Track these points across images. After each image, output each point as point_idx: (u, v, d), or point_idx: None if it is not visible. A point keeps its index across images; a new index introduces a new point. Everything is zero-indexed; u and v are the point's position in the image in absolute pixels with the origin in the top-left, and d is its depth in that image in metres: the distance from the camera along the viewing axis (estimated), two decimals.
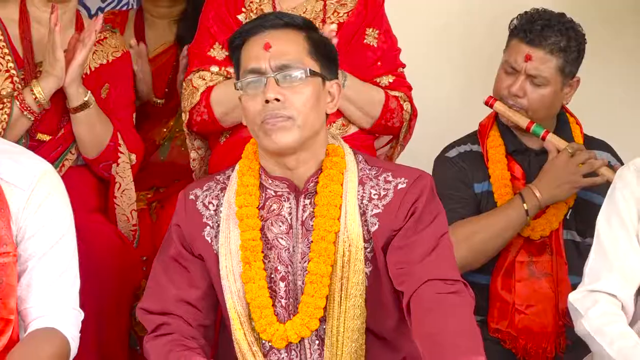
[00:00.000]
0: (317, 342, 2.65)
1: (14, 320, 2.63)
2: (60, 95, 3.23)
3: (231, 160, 3.11)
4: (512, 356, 3.33)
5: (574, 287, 3.07)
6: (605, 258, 2.88)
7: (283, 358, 2.66)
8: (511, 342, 3.34)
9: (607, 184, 3.10)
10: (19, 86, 3.25)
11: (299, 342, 2.63)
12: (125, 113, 3.42)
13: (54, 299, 2.68)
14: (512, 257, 3.36)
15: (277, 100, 2.57)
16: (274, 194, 2.68)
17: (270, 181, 2.68)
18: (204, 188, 2.74)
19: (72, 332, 2.68)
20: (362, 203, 2.66)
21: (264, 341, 2.64)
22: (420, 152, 3.48)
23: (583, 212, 3.40)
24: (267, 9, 3.33)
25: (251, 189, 2.67)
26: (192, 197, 2.73)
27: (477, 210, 3.38)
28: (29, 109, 3.20)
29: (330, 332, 2.63)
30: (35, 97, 3.19)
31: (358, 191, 2.66)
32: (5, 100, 3.21)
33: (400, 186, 2.65)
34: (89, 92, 3.26)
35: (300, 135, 2.60)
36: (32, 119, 3.22)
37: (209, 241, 2.69)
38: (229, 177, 2.74)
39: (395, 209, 2.63)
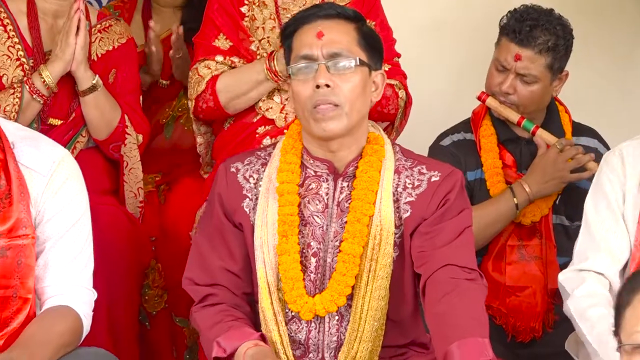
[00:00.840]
0: (337, 317, 2.69)
1: (32, 299, 2.67)
2: (70, 81, 3.30)
3: (234, 145, 3.27)
4: (503, 332, 3.36)
5: (562, 267, 3.08)
6: (593, 239, 2.92)
7: (302, 328, 2.70)
8: (501, 319, 3.37)
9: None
10: (29, 73, 3.30)
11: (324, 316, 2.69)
12: (132, 96, 3.47)
13: (68, 278, 2.72)
14: (504, 241, 3.40)
15: (327, 86, 2.63)
16: (313, 173, 2.74)
17: (312, 161, 2.74)
18: (245, 162, 2.79)
19: (85, 310, 2.73)
20: (396, 191, 2.72)
21: (287, 311, 2.69)
22: (416, 140, 3.45)
23: (571, 197, 3.43)
24: (269, 1, 3.38)
25: (293, 167, 2.72)
26: (233, 169, 2.77)
27: (470, 197, 3.29)
28: (38, 92, 3.26)
29: (355, 310, 2.67)
30: (44, 81, 3.25)
31: (394, 179, 2.72)
32: (15, 85, 3.27)
33: (433, 179, 2.72)
34: (97, 75, 3.32)
35: (347, 123, 2.66)
36: (42, 102, 3.27)
37: (247, 212, 2.73)
38: (270, 153, 2.80)
39: (428, 199, 2.69)
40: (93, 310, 2.78)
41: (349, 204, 2.70)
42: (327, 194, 2.73)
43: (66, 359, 2.64)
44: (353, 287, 2.67)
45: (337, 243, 2.69)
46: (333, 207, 2.72)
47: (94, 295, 2.78)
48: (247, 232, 2.73)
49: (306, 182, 2.73)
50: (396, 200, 2.71)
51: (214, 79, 3.34)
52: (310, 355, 2.71)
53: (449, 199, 2.70)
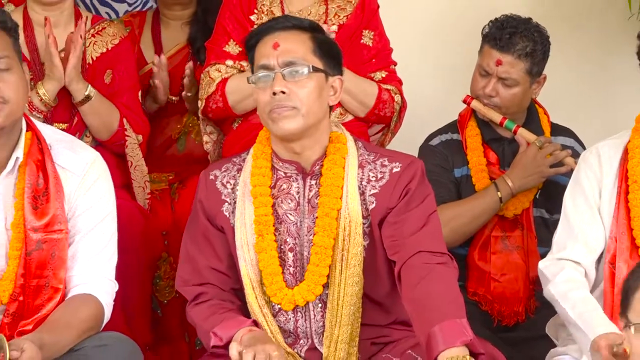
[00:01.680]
0: (320, 305, 2.75)
1: (62, 289, 2.76)
2: (68, 89, 3.35)
3: (243, 143, 3.29)
4: (488, 317, 3.42)
5: (542, 256, 3.14)
6: (571, 230, 2.98)
7: (290, 319, 2.77)
8: (487, 305, 3.42)
9: (571, 171, 3.20)
10: (31, 85, 3.30)
11: (305, 305, 2.75)
12: (130, 95, 3.49)
13: (93, 269, 2.81)
14: (488, 232, 3.46)
15: (283, 92, 2.69)
16: (284, 175, 2.79)
17: (281, 164, 2.79)
18: (222, 169, 2.85)
19: (106, 300, 2.81)
20: (361, 184, 2.77)
21: (273, 304, 2.75)
22: (408, 140, 3.56)
23: (551, 192, 3.48)
24: (277, 11, 3.44)
25: (264, 171, 2.78)
26: (212, 177, 2.84)
27: (457, 192, 3.49)
28: (37, 109, 3.32)
29: (332, 297, 2.73)
30: (41, 98, 3.32)
31: (358, 174, 2.78)
32: None
33: (395, 170, 2.77)
34: (89, 85, 3.36)
35: (304, 123, 2.71)
36: (42, 116, 3.32)
37: (227, 216, 2.79)
38: (244, 159, 2.85)
39: (390, 190, 2.75)
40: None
41: (318, 200, 2.76)
42: (297, 192, 2.78)
43: (89, 342, 2.72)
44: (328, 277, 2.73)
45: (310, 237, 2.75)
46: (304, 204, 2.77)
47: (115, 286, 2.85)
48: (228, 234, 2.79)
49: (278, 183, 2.79)
50: (362, 193, 2.76)
51: (224, 81, 3.40)
52: (301, 342, 2.78)
53: (410, 188, 2.75)
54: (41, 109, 3.32)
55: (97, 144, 3.44)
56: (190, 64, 3.61)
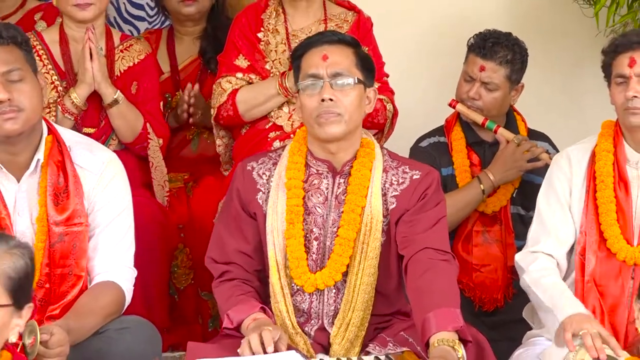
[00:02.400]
0: (334, 291, 2.88)
1: (84, 277, 2.89)
2: (97, 96, 3.50)
3: (251, 146, 3.45)
4: (471, 303, 3.54)
5: (519, 249, 3.29)
6: (544, 226, 3.09)
7: (306, 299, 2.89)
8: (470, 292, 3.54)
9: (546, 167, 3.29)
10: (63, 93, 3.49)
11: (323, 289, 2.87)
12: (153, 104, 3.62)
13: (114, 259, 2.93)
14: (470, 227, 3.58)
15: (331, 100, 2.83)
16: (316, 171, 2.92)
17: (315, 161, 2.92)
18: (259, 162, 2.97)
19: (127, 286, 2.93)
20: (384, 186, 2.90)
21: (293, 285, 2.87)
22: (400, 142, 3.64)
23: (526, 191, 3.59)
24: (281, 29, 3.56)
25: (299, 166, 2.91)
26: (249, 167, 2.96)
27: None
28: (69, 111, 3.46)
29: (349, 284, 2.86)
30: (73, 102, 3.46)
31: (382, 177, 2.91)
32: (51, 106, 3.48)
33: (415, 177, 2.92)
34: (118, 91, 3.48)
35: (346, 128, 2.86)
36: (73, 119, 3.46)
37: (261, 203, 2.92)
38: (279, 154, 2.97)
39: (410, 193, 2.89)
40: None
41: (345, 197, 2.89)
42: (327, 188, 2.91)
43: (112, 325, 2.85)
44: (348, 266, 2.86)
45: (334, 229, 2.88)
46: (332, 200, 2.90)
47: (134, 273, 2.97)
48: (260, 220, 2.92)
49: (310, 178, 2.91)
50: (384, 194, 2.90)
51: (234, 92, 3.52)
52: (312, 321, 2.90)
53: (427, 194, 2.90)
54: (72, 112, 3.45)
55: (122, 147, 3.58)
56: (196, 88, 3.74)
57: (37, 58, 3.42)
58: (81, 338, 2.76)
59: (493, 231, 3.58)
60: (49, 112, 3.44)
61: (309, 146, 2.94)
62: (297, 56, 2.94)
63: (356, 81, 2.87)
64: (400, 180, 2.92)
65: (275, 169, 2.94)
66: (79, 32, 3.52)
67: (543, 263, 3.05)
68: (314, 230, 2.89)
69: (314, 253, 2.89)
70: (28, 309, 2.37)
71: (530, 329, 3.17)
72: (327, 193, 2.91)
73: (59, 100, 3.45)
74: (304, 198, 2.89)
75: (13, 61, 2.82)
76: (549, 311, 2.92)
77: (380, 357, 2.78)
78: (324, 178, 2.92)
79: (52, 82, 3.51)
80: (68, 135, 3.00)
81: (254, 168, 2.96)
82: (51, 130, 2.95)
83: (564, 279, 3.06)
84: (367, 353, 2.85)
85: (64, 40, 3.55)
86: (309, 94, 2.87)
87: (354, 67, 2.89)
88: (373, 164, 2.92)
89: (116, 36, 3.62)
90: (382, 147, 2.99)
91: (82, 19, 3.49)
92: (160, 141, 3.59)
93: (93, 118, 3.52)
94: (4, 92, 2.79)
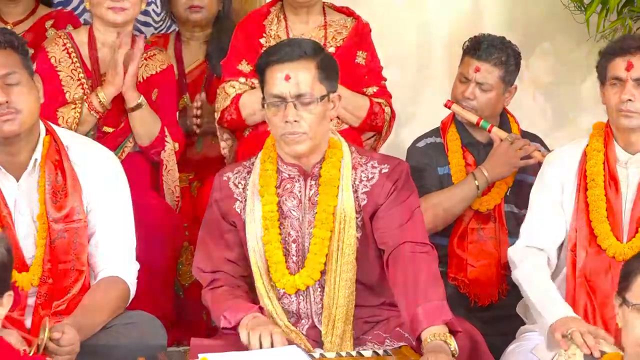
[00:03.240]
0: (319, 289, 2.89)
1: (86, 271, 2.93)
2: (120, 98, 3.55)
3: (254, 149, 3.32)
4: (466, 298, 3.54)
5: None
6: (536, 221, 3.11)
7: (293, 301, 2.91)
8: (465, 288, 3.55)
9: (538, 166, 3.32)
10: (88, 91, 3.53)
11: (305, 289, 2.89)
12: (170, 110, 3.68)
13: (116, 254, 2.96)
14: (465, 224, 3.58)
15: (295, 121, 2.82)
16: (287, 176, 2.93)
17: (285, 166, 2.93)
18: (234, 171, 2.99)
19: (130, 279, 2.97)
20: (354, 183, 2.91)
21: (278, 289, 2.89)
22: (398, 143, 3.71)
23: (519, 190, 3.58)
24: (282, 35, 3.57)
25: (270, 173, 2.92)
26: (225, 178, 2.98)
27: (440, 186, 3.57)
28: (95, 109, 3.50)
29: (329, 282, 2.87)
30: (100, 101, 3.50)
31: (352, 174, 2.91)
32: (77, 102, 3.51)
33: (383, 170, 2.91)
34: (142, 96, 3.53)
35: (311, 144, 2.87)
36: (97, 117, 3.51)
37: (239, 212, 2.94)
38: (253, 163, 2.98)
39: (380, 188, 2.89)
40: (138, 280, 3.00)
41: (317, 198, 2.89)
42: (299, 191, 2.91)
43: (119, 320, 2.88)
44: (325, 264, 2.86)
45: (311, 230, 2.89)
46: (305, 202, 2.90)
47: (137, 266, 3.00)
48: (240, 228, 2.93)
49: (282, 183, 2.91)
50: (355, 191, 2.89)
51: (238, 96, 3.55)
52: (302, 321, 2.91)
53: (397, 186, 2.88)
54: (98, 110, 3.48)
55: (137, 149, 3.61)
56: (203, 95, 3.77)
57: (66, 55, 3.53)
58: (90, 334, 2.80)
59: (487, 229, 3.59)
60: (74, 108, 3.48)
61: (279, 152, 2.94)
62: (260, 69, 2.92)
63: (319, 100, 2.86)
64: (370, 176, 2.92)
65: (250, 177, 2.96)
66: (108, 36, 3.55)
67: (534, 260, 3.07)
68: (291, 233, 2.91)
69: (294, 255, 2.90)
70: (8, 297, 2.41)
71: (524, 323, 3.18)
72: (300, 196, 2.92)
73: (85, 98, 3.49)
74: (278, 203, 2.91)
75: (10, 65, 2.85)
76: (539, 313, 2.94)
77: (378, 351, 2.79)
78: (296, 182, 2.93)
79: (79, 79, 3.55)
80: (65, 135, 3.03)
81: (229, 178, 2.98)
82: (49, 131, 2.98)
83: (556, 275, 3.08)
84: (364, 348, 2.86)
85: (92, 42, 3.58)
86: (273, 112, 2.87)
87: (317, 82, 2.87)
88: (341, 162, 2.92)
89: (141, 43, 3.64)
90: (350, 145, 2.98)
91: (114, 22, 3.52)
92: (177, 145, 3.63)
93: (114, 118, 3.56)
94: (2, 95, 2.82)
